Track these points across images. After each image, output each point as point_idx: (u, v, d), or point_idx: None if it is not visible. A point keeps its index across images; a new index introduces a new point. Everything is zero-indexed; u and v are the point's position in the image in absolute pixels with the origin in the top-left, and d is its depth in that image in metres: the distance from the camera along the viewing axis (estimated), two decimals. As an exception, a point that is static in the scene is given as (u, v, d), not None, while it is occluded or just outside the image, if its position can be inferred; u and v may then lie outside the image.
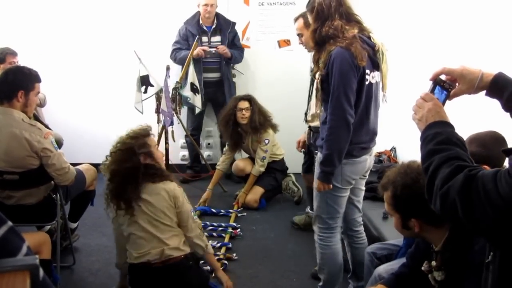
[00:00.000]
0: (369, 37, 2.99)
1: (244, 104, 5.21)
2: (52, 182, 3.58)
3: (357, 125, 2.95)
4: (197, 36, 5.57)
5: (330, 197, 3.12)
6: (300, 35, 4.02)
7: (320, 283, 3.41)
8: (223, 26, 5.82)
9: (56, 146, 3.49)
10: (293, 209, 5.27)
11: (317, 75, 2.97)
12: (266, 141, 5.29)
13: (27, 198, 3.52)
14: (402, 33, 4.60)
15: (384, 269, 2.76)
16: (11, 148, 3.32)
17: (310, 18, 3.00)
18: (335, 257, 3.27)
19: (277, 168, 5.55)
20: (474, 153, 2.47)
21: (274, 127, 5.39)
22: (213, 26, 5.79)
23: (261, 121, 5.22)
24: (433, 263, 2.06)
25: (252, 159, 5.55)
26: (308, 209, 4.87)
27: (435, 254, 2.05)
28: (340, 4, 2.92)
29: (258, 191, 5.40)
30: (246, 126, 5.25)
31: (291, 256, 4.32)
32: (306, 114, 4.31)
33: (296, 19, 4.05)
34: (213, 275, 3.54)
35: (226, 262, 4.04)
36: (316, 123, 4.12)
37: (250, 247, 4.05)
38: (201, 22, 5.76)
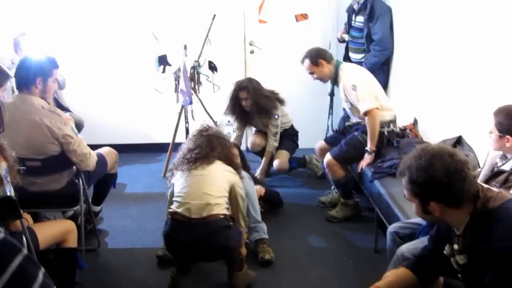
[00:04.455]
0: None
1: (243, 94, 5.15)
2: (74, 167, 3.61)
3: None
4: (214, 14, 5.46)
5: None
6: (312, 73, 4.49)
7: None
8: (368, 7, 5.27)
9: (76, 131, 3.50)
10: (316, 187, 5.26)
11: None
12: (276, 117, 5.26)
13: (50, 184, 3.55)
14: (423, 11, 4.52)
15: (406, 248, 2.74)
16: (32, 136, 3.34)
17: None
18: None
19: (291, 133, 5.54)
20: (501, 123, 2.62)
21: (281, 101, 5.34)
22: (359, 6, 5.39)
23: (265, 105, 5.16)
24: (455, 246, 2.04)
25: (263, 133, 5.53)
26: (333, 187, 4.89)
27: (457, 237, 2.03)
28: None
29: (284, 154, 5.39)
30: (252, 111, 5.21)
31: (315, 234, 4.34)
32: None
33: (302, 61, 4.51)
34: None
35: (247, 240, 4.03)
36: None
37: (272, 225, 4.06)
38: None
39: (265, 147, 5.47)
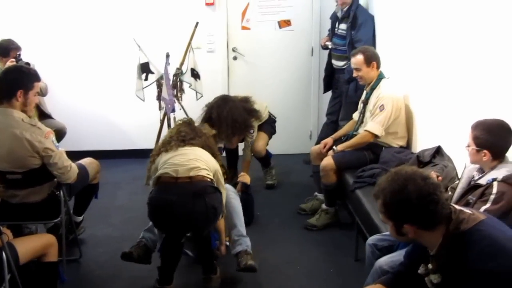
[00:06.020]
0: None
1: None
2: (55, 179, 3.60)
3: None
4: (196, 22, 5.45)
5: None
6: (358, 69, 4.39)
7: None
8: (351, 15, 5.28)
9: (57, 144, 3.50)
10: (298, 194, 5.25)
11: None
12: (252, 131, 5.16)
13: (31, 196, 3.54)
14: (406, 19, 4.56)
15: (384, 261, 2.78)
16: (13, 149, 3.33)
17: None
18: None
19: (268, 121, 5.41)
20: (478, 137, 2.65)
21: (258, 118, 5.20)
22: (343, 14, 5.39)
23: (240, 128, 4.98)
24: (430, 266, 2.08)
25: None
26: (316, 193, 4.90)
27: (431, 257, 2.07)
28: None
29: (263, 136, 5.32)
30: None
31: (296, 242, 4.35)
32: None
33: (355, 53, 4.42)
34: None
35: (228, 243, 3.99)
36: None
37: (253, 233, 4.04)
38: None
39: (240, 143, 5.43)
